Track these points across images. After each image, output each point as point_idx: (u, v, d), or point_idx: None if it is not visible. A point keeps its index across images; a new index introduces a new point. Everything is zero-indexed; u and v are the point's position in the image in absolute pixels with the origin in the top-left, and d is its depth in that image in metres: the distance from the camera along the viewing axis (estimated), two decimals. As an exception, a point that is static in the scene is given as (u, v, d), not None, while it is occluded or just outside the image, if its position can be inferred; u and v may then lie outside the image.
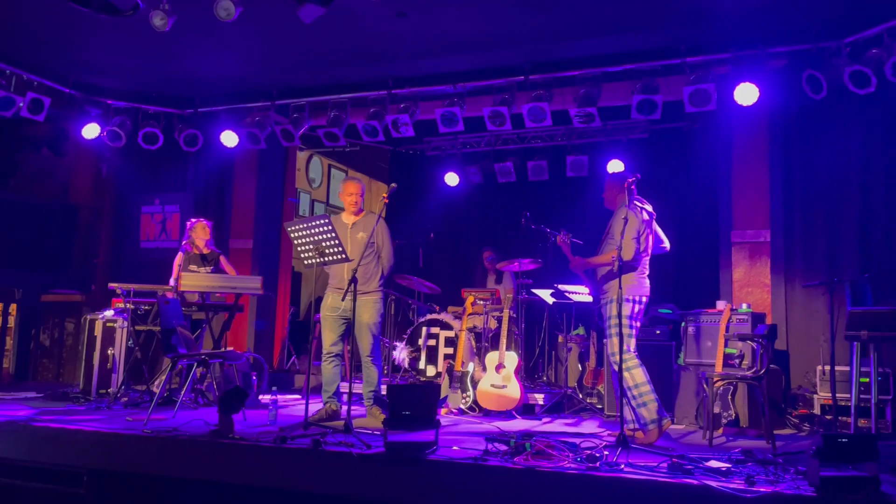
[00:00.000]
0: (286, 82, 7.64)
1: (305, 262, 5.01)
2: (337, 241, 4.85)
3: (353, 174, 11.14)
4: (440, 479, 3.87)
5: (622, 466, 3.75)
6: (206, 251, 6.83)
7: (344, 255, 4.91)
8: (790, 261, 6.65)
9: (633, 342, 4.82)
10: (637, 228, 4.83)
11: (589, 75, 6.69)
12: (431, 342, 7.43)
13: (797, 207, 6.70)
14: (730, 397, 5.34)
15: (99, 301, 7.91)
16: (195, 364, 5.62)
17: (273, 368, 8.48)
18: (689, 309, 6.22)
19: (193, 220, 7.01)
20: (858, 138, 6.52)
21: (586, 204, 7.64)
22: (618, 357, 4.63)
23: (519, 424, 5.61)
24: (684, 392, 5.88)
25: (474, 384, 6.14)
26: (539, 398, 6.38)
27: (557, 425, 5.65)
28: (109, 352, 6.48)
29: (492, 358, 6.11)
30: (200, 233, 6.83)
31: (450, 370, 6.32)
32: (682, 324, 6.13)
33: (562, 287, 6.91)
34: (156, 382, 6.36)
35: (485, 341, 6.77)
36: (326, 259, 4.96)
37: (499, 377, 5.99)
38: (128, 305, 6.35)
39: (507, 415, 5.95)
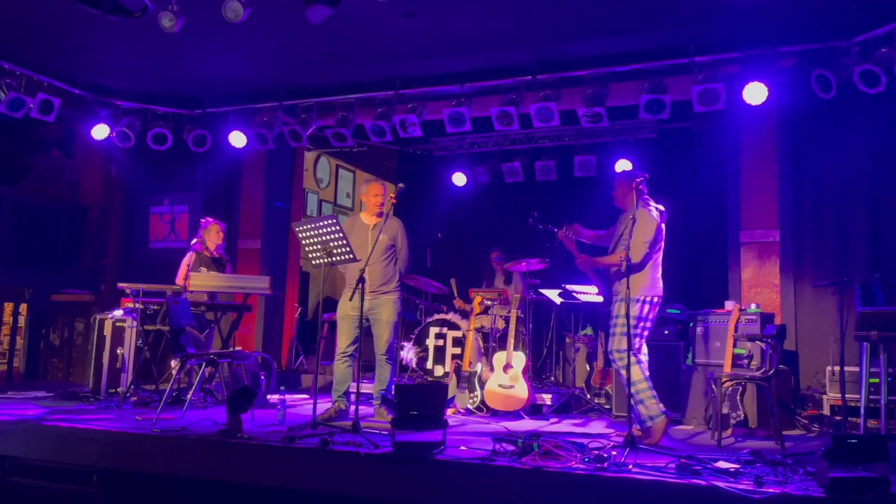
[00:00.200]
0: (294, 83, 7.66)
1: (313, 262, 5.02)
2: (345, 242, 4.85)
3: (362, 175, 11.14)
4: (448, 479, 3.87)
5: (630, 467, 3.75)
6: (216, 255, 6.75)
7: (351, 256, 4.91)
8: (799, 261, 6.62)
9: (639, 342, 4.80)
10: (652, 230, 4.78)
11: (596, 75, 6.68)
12: (439, 342, 7.44)
13: (806, 207, 6.66)
14: (738, 398, 5.31)
15: (108, 301, 7.95)
16: (204, 364, 5.64)
17: (281, 368, 8.50)
18: (698, 309, 6.20)
19: (209, 219, 6.88)
20: (868, 137, 6.48)
21: (594, 204, 7.62)
22: (618, 355, 4.63)
23: (526, 425, 5.60)
24: (693, 392, 5.85)
25: (482, 384, 6.14)
26: (547, 398, 6.37)
27: (565, 426, 5.65)
28: (119, 351, 6.51)
29: (499, 358, 6.10)
30: (214, 236, 6.74)
31: (457, 370, 6.33)
32: (691, 324, 6.12)
33: (570, 287, 6.88)
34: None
35: (492, 341, 6.77)
36: (334, 259, 4.95)
37: (506, 377, 5.99)
38: (137, 305, 6.36)
39: (514, 415, 5.94)
